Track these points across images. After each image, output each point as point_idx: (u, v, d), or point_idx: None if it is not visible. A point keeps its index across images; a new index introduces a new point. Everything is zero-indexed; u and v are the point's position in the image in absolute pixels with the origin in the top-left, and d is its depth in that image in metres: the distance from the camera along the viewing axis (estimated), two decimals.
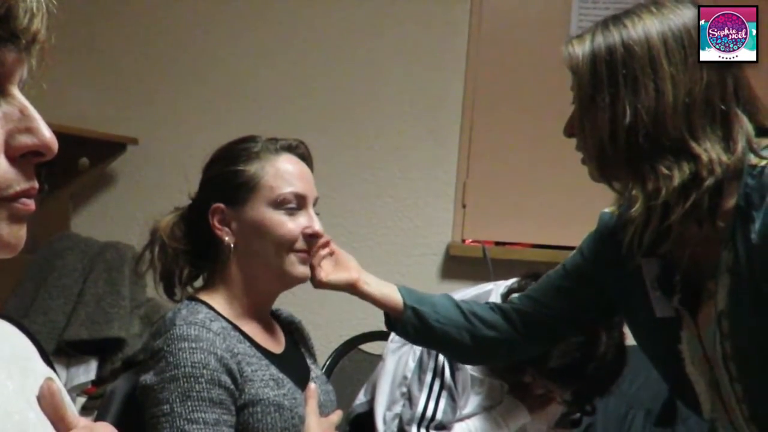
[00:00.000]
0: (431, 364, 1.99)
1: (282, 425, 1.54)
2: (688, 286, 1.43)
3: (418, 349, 2.03)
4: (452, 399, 1.98)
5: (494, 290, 2.08)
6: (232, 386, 1.51)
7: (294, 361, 1.72)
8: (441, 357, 1.99)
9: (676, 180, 1.29)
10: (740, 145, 1.31)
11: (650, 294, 1.48)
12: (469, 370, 1.99)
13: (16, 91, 0.73)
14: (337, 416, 1.68)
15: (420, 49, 3.24)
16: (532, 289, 1.72)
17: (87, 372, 2.79)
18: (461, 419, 1.99)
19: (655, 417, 2.07)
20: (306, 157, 1.70)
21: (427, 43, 3.24)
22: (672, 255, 1.43)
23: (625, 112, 1.30)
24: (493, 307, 1.72)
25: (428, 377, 1.98)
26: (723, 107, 1.31)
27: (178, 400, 1.47)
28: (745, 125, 1.32)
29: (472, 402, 2.00)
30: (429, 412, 1.97)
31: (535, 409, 2.03)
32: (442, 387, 1.98)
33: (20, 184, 0.73)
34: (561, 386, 1.92)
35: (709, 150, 1.30)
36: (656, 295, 1.47)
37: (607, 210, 1.59)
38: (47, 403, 0.76)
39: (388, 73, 3.25)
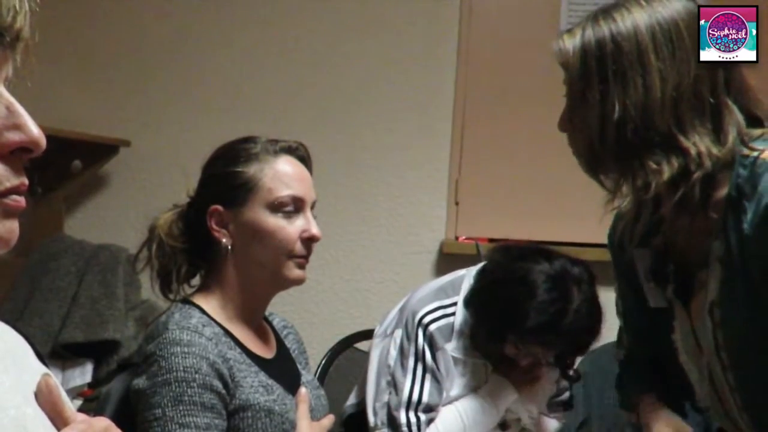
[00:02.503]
0: (412, 349, 2.00)
1: (272, 430, 1.55)
2: (680, 277, 1.44)
3: (398, 337, 2.04)
4: (437, 381, 1.99)
5: (467, 275, 2.10)
6: (223, 391, 1.51)
7: (284, 366, 1.72)
8: (421, 340, 2.00)
9: (666, 174, 1.30)
10: (731, 136, 1.31)
11: (643, 284, 1.48)
12: (450, 351, 2.00)
13: (2, 89, 0.74)
14: (328, 420, 1.68)
15: (411, 47, 3.25)
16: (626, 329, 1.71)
17: (83, 374, 2.79)
18: (449, 402, 2.00)
19: None
20: (305, 159, 1.70)
21: (417, 40, 3.24)
22: (665, 245, 1.44)
23: (614, 108, 1.31)
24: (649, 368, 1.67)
25: (410, 362, 1.99)
26: (712, 100, 1.31)
27: (170, 404, 1.47)
28: (735, 116, 1.32)
29: (457, 384, 2.01)
30: (415, 396, 1.98)
31: (522, 386, 2.05)
32: (425, 370, 1.99)
33: (10, 181, 0.74)
34: (542, 346, 1.94)
35: (698, 143, 1.30)
36: (649, 286, 1.48)
37: (611, 228, 1.60)
38: (45, 398, 0.77)
39: (380, 72, 3.25)
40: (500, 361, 2.03)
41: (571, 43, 1.35)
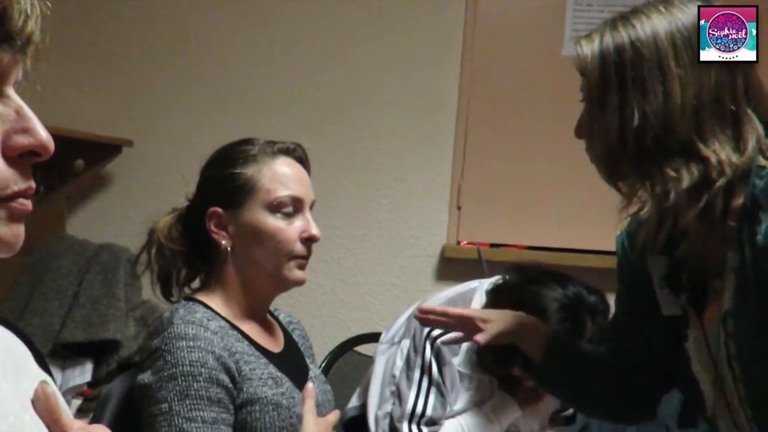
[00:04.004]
0: (419, 361, 1.99)
1: (280, 424, 1.55)
2: (695, 285, 1.43)
3: (405, 348, 2.03)
4: (441, 395, 1.98)
5: (479, 288, 2.09)
6: (230, 385, 1.51)
7: (293, 360, 1.72)
8: (428, 353, 1.99)
9: (685, 182, 1.29)
10: (750, 144, 1.30)
11: (657, 292, 1.47)
12: (456, 366, 1.99)
13: (11, 92, 0.74)
14: (334, 416, 1.69)
15: (415, 52, 3.24)
16: (607, 338, 1.67)
17: (82, 374, 2.79)
18: (452, 416, 2.00)
19: (678, 418, 2.07)
20: (303, 160, 1.71)
21: (422, 45, 3.24)
22: (679, 253, 1.43)
23: (633, 115, 1.29)
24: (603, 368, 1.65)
25: (416, 374, 1.99)
26: (733, 107, 1.30)
27: (176, 398, 1.47)
28: (755, 124, 1.31)
29: (461, 398, 2.00)
30: (419, 409, 1.97)
31: (526, 404, 2.03)
32: (430, 383, 1.98)
33: (18, 184, 0.74)
34: None
35: (718, 151, 1.29)
36: (663, 293, 1.46)
37: (618, 232, 1.59)
38: (42, 406, 0.77)
39: (384, 76, 3.25)
40: (507, 379, 2.02)
41: (589, 49, 1.34)
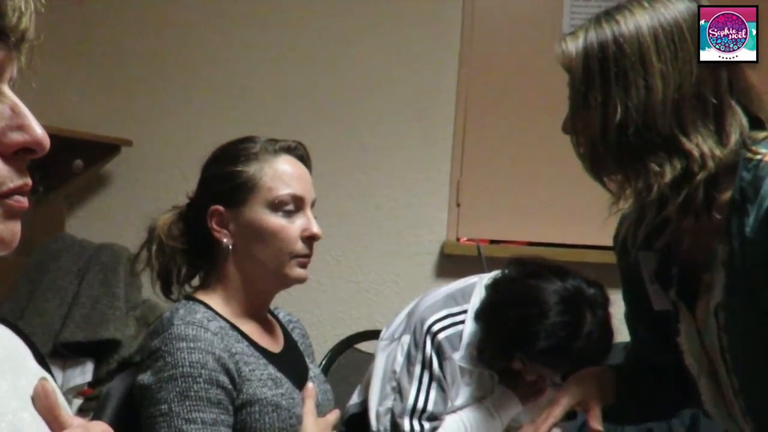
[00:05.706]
0: (419, 356, 1.99)
1: (280, 425, 1.55)
2: (685, 279, 1.43)
3: (405, 343, 2.03)
4: (442, 390, 1.98)
5: (478, 283, 2.09)
6: (230, 386, 1.51)
7: (292, 360, 1.72)
8: (428, 348, 1.99)
9: (667, 176, 1.29)
10: (733, 137, 1.30)
11: (648, 287, 1.48)
12: (457, 360, 1.99)
13: (6, 89, 0.74)
14: (334, 416, 1.69)
15: (413, 49, 3.25)
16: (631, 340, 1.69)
17: (83, 374, 2.79)
18: (453, 411, 2.00)
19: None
20: (304, 159, 1.71)
21: (420, 42, 3.24)
22: (669, 248, 1.44)
23: (616, 110, 1.30)
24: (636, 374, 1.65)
25: (417, 369, 1.99)
26: (715, 101, 1.30)
27: (176, 399, 1.47)
28: (738, 117, 1.32)
29: (462, 393, 2.00)
30: (420, 404, 1.97)
31: (527, 399, 2.04)
32: (431, 378, 1.98)
33: (13, 181, 0.74)
34: (549, 368, 1.93)
35: (701, 144, 1.29)
36: (654, 289, 1.47)
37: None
38: (41, 403, 0.77)
39: (382, 73, 3.25)
40: (507, 374, 2.02)
41: (573, 46, 1.35)
